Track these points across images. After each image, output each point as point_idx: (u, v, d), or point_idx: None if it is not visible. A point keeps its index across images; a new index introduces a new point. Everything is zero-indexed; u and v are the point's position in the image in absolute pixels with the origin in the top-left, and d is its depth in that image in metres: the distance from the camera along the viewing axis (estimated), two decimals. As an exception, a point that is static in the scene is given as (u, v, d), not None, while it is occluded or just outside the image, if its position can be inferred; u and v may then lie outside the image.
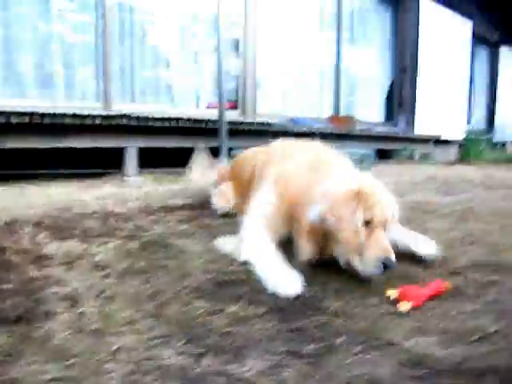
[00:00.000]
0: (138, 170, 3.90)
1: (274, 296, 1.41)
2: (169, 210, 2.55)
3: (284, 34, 6.12)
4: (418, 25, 8.06)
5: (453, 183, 4.33)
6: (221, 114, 4.09)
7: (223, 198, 2.49)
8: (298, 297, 1.41)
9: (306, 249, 1.68)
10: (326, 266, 1.67)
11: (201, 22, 5.15)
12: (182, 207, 2.64)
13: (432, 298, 1.41)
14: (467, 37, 9.66)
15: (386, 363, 1.06)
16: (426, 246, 1.84)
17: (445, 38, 8.75)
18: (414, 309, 1.34)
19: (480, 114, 11.78)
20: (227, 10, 5.28)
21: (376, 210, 1.59)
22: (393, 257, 1.54)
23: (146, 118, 3.84)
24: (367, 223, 1.58)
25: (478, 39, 10.77)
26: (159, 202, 2.78)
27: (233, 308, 1.33)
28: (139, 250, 1.83)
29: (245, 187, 2.22)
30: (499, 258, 1.87)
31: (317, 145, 2.13)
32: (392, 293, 1.38)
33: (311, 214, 1.64)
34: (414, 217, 2.65)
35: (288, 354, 1.09)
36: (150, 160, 4.17)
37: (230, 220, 2.36)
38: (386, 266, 1.51)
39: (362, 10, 7.51)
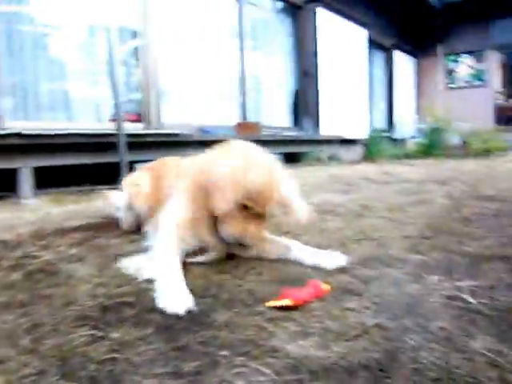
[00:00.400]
0: (33, 191, 3.66)
1: (163, 315, 1.39)
2: (62, 233, 2.41)
3: (186, 43, 6.10)
4: (316, 33, 8.44)
5: (353, 182, 4.58)
6: (118, 127, 3.97)
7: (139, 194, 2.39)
8: (188, 312, 1.40)
9: (229, 228, 1.77)
10: (222, 273, 1.69)
11: (100, 32, 4.96)
12: (78, 229, 2.52)
13: (313, 298, 1.46)
14: (363, 43, 10.31)
15: (267, 370, 1.08)
16: (331, 260, 1.84)
17: (342, 44, 9.28)
18: (296, 311, 1.38)
19: (380, 113, 12.63)
20: (126, 19, 5.18)
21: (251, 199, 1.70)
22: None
23: (39, 136, 3.61)
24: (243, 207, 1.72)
25: (374, 45, 11.60)
26: (54, 225, 2.63)
27: (116, 333, 1.28)
28: (23, 280, 1.71)
29: (162, 194, 2.21)
30: (385, 252, 2.00)
31: None
32: (272, 303, 1.41)
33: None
34: (312, 218, 2.75)
35: (168, 375, 1.07)
36: (52, 179, 3.95)
37: (128, 238, 2.30)
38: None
39: (263, 19, 7.72)
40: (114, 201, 2.65)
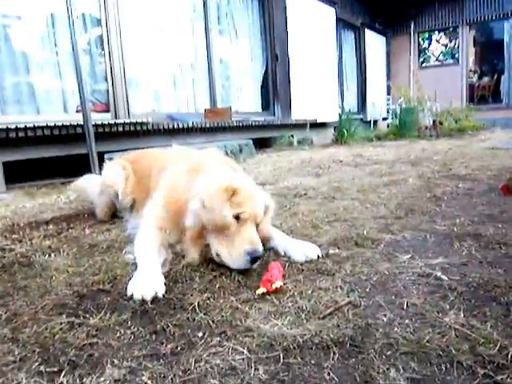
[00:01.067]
0: (4, 186, 3.59)
1: (140, 301, 1.41)
2: (35, 226, 2.39)
3: (152, 29, 5.98)
4: (286, 14, 8.36)
5: (324, 165, 4.65)
6: (85, 118, 3.89)
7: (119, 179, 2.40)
8: (158, 299, 1.42)
9: (190, 252, 1.76)
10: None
11: (62, 21, 4.81)
12: (51, 221, 2.50)
13: (280, 278, 1.49)
14: (332, 23, 10.25)
15: (242, 349, 1.12)
16: (306, 252, 1.82)
17: (311, 25, 9.20)
18: (273, 292, 1.42)
19: (352, 95, 12.66)
20: (88, 6, 5.04)
21: (244, 205, 1.70)
22: (259, 247, 1.65)
23: (7, 130, 3.53)
24: (236, 218, 1.68)
25: (343, 24, 11.54)
26: (27, 218, 2.60)
27: (94, 319, 1.30)
28: (-2, 273, 1.71)
29: (144, 185, 2.21)
30: (357, 232, 2.05)
31: (209, 151, 2.25)
32: (259, 290, 1.44)
33: (188, 217, 1.74)
34: (284, 201, 2.81)
35: (146, 358, 1.10)
36: (23, 173, 3.88)
37: (100, 228, 2.30)
38: (253, 257, 1.62)
39: (229, 1, 7.60)
40: (90, 186, 2.64)
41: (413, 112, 9.45)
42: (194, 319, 1.29)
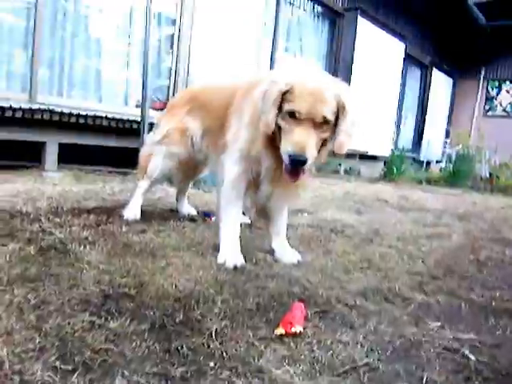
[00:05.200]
0: (57, 165, 3.77)
1: (159, 313, 1.43)
2: (77, 213, 2.48)
3: (221, 37, 6.07)
4: (355, 42, 8.31)
5: (368, 202, 4.56)
6: (143, 114, 4.02)
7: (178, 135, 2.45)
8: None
9: (265, 158, 1.86)
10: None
11: (138, 15, 5.01)
12: (92, 211, 2.58)
13: (301, 321, 1.46)
14: (400, 57, 10.11)
15: (250, 392, 1.11)
16: (289, 257, 2.15)
17: (378, 56, 9.10)
18: (292, 336, 1.39)
19: (409, 132, 12.40)
20: (165, 6, 5.22)
21: (300, 102, 1.66)
22: (301, 152, 1.65)
23: (69, 114, 3.71)
24: (292, 115, 1.68)
25: (411, 60, 11.34)
26: (71, 202, 2.71)
27: (114, 323, 1.33)
28: (36, 255, 1.78)
29: (216, 120, 2.24)
30: (389, 286, 1.98)
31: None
32: (278, 330, 1.41)
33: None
34: (320, 235, 2.77)
35: (155, 376, 1.11)
36: (74, 156, 4.05)
37: (136, 228, 2.35)
38: (293, 160, 1.65)
39: (300, 21, 7.64)
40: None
41: (470, 160, 9.10)
42: (209, 346, 1.28)
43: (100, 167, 4.06)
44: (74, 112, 3.73)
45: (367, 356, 1.35)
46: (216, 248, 2.08)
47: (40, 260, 1.73)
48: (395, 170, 8.01)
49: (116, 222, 2.41)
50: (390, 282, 2.06)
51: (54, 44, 4.40)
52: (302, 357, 1.30)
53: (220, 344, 1.30)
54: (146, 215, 2.66)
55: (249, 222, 2.84)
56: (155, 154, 2.50)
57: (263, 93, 1.76)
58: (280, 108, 1.75)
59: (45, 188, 3.01)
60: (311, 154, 1.70)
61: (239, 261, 1.96)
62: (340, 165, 7.51)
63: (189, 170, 2.70)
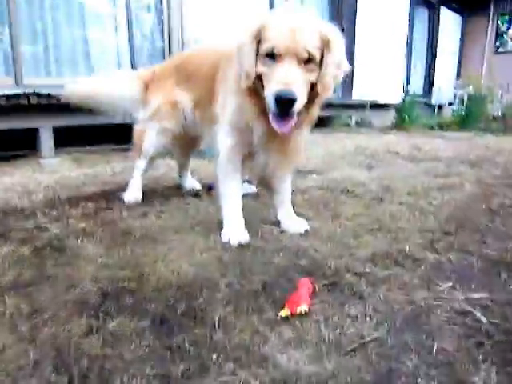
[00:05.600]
0: (54, 151, 3.69)
1: (161, 306, 1.38)
2: (75, 202, 2.43)
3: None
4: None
5: (379, 155, 4.44)
6: None
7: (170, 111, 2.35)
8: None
9: (247, 111, 1.73)
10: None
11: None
12: (91, 197, 2.53)
13: (308, 300, 1.41)
14: (405, -1, 9.62)
15: (255, 382, 1.07)
16: (295, 226, 2.08)
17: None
18: (298, 316, 1.34)
19: (419, 76, 11.97)
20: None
21: (276, 37, 1.52)
22: (286, 87, 1.48)
23: (58, 95, 3.57)
24: (271, 55, 1.54)
25: (418, 0, 10.76)
26: (69, 191, 2.66)
27: (113, 323, 1.29)
28: (30, 256, 1.73)
29: (204, 90, 2.14)
30: (399, 248, 1.90)
31: None
32: (283, 312, 1.35)
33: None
34: (329, 198, 2.69)
35: (156, 377, 1.08)
36: (73, 137, 3.95)
37: (138, 211, 2.29)
38: (277, 98, 1.49)
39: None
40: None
41: (481, 101, 8.78)
42: (212, 337, 1.24)
43: (102, 146, 3.96)
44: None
45: (376, 329, 1.29)
46: (220, 225, 2.01)
47: (35, 262, 1.69)
48: (407, 118, 7.77)
49: (116, 207, 2.36)
50: (400, 243, 1.98)
51: (34, 19, 4.15)
52: (309, 337, 1.25)
53: (224, 334, 1.25)
54: (148, 195, 2.60)
55: (255, 191, 2.76)
56: (148, 131, 2.40)
57: (238, 44, 1.63)
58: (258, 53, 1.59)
59: (42, 177, 2.96)
60: (299, 91, 1.51)
61: (244, 237, 1.90)
62: (350, 117, 7.30)
63: (186, 144, 2.61)
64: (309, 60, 1.56)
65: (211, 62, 2.08)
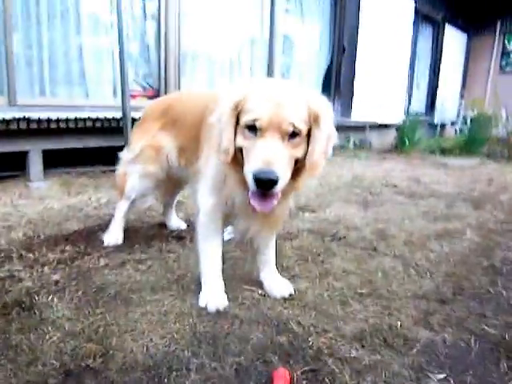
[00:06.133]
0: (42, 174, 3.58)
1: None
2: (54, 242, 2.32)
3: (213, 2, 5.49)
4: (359, 2, 7.72)
5: (376, 188, 4.31)
6: (124, 107, 3.70)
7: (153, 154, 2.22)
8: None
9: (229, 180, 1.63)
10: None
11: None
12: (71, 237, 2.42)
13: None
14: (409, 16, 9.46)
15: None
16: (279, 290, 1.94)
17: (386, 16, 8.48)
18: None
19: (422, 95, 11.82)
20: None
21: (258, 108, 1.38)
22: (270, 167, 1.33)
23: (48, 121, 3.47)
24: (252, 128, 1.41)
25: (422, 18, 10.61)
26: (50, 227, 2.54)
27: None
28: (-3, 316, 1.63)
29: (189, 139, 2.02)
30: (389, 323, 1.77)
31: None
32: None
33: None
34: (319, 247, 2.57)
35: None
36: (62, 159, 3.85)
37: (115, 260, 2.17)
38: (256, 178, 1.35)
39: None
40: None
41: (485, 125, 8.57)
42: None
43: (93, 168, 3.85)
44: (53, 117, 3.47)
45: None
46: (199, 283, 1.89)
47: (1, 324, 1.58)
48: (407, 142, 7.64)
49: (95, 252, 2.24)
50: (392, 315, 1.86)
51: (29, 38, 3.99)
52: None
53: None
54: (130, 235, 2.49)
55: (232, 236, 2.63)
56: (131, 174, 2.30)
57: (217, 115, 1.51)
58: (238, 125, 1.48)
59: (26, 209, 2.84)
60: (281, 170, 1.37)
61: (221, 303, 1.78)
62: (349, 139, 7.17)
63: (171, 186, 2.50)
64: (294, 134, 1.43)
65: (198, 109, 1.96)
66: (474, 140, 8.31)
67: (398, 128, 8.36)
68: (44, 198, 3.05)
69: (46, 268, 2.02)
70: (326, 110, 1.49)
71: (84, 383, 1.31)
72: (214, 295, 1.79)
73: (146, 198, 2.49)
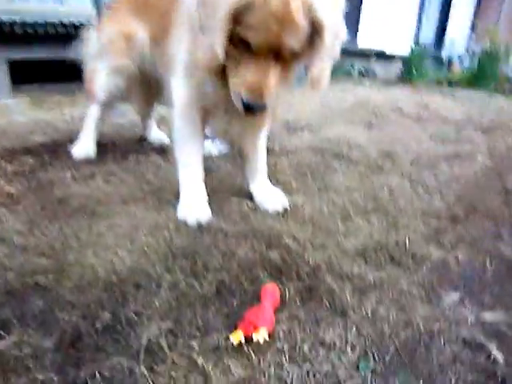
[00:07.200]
0: (10, 90, 3.20)
1: (76, 316, 1.04)
2: (14, 154, 2.03)
3: None
4: None
5: (382, 112, 3.98)
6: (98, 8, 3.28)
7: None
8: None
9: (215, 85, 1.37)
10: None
11: None
12: (35, 150, 2.12)
13: (270, 319, 1.06)
14: None
15: None
16: (271, 202, 1.70)
17: None
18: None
19: (430, 27, 11.16)
20: None
21: (258, 30, 1.14)
22: (261, 98, 1.23)
23: (12, 24, 3.03)
24: (246, 44, 1.18)
25: None
26: (13, 138, 2.24)
27: (5, 341, 0.95)
28: None
29: (161, 25, 1.68)
30: (397, 240, 1.55)
31: None
32: (235, 336, 1.00)
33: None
34: (319, 164, 2.31)
35: None
36: (40, 72, 3.45)
37: (83, 172, 1.90)
38: (248, 107, 1.25)
39: None
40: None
41: (495, 58, 8.07)
42: (131, 373, 0.90)
43: (71, 84, 3.45)
44: (17, 19, 3.02)
45: (357, 368, 0.97)
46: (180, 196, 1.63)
47: None
48: (414, 71, 7.19)
49: (59, 164, 1.96)
50: (399, 231, 1.63)
51: None
52: (263, 380, 0.91)
53: (148, 370, 0.91)
54: (104, 149, 2.20)
55: (223, 151, 2.36)
56: (98, 71, 1.96)
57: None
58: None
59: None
60: (271, 98, 1.26)
61: (204, 216, 1.53)
62: (353, 66, 6.72)
63: (147, 90, 2.17)
64: (292, 55, 1.24)
65: None
66: (483, 74, 7.85)
67: (405, 60, 7.89)
68: (9, 113, 2.73)
69: (1, 180, 1.74)
70: (331, 14, 1.21)
71: (30, 302, 1.08)
72: (194, 206, 1.54)
73: (119, 101, 2.17)
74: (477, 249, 1.57)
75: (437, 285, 1.32)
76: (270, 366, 0.95)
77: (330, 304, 1.17)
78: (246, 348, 0.98)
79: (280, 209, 1.68)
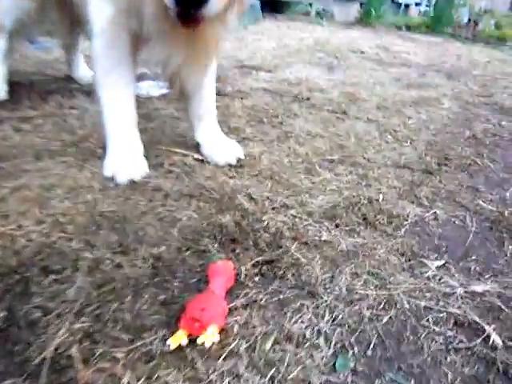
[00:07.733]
0: None
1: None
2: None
3: None
4: None
5: (341, 54, 3.70)
6: None
7: None
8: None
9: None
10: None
11: None
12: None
13: (222, 310, 0.81)
14: None
15: None
16: (222, 153, 1.42)
17: None
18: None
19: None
20: None
21: None
22: None
23: None
24: None
25: None
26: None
27: None
28: None
29: None
30: (369, 195, 1.34)
31: None
32: (174, 339, 0.74)
33: None
34: (278, 108, 2.04)
35: None
36: None
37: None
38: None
39: None
40: None
41: (451, 4, 7.89)
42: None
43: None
44: None
45: (333, 364, 0.76)
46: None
47: None
48: (373, 13, 6.89)
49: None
50: (371, 185, 1.42)
51: None
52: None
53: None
54: (19, 89, 1.80)
55: (165, 91, 2.01)
56: None
57: None
58: None
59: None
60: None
61: (138, 172, 1.24)
62: (311, 5, 6.32)
63: (67, 12, 1.76)
64: None
65: None
66: (440, 19, 7.68)
67: (363, 2, 7.55)
68: None
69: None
70: None
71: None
72: (125, 160, 1.24)
73: (30, 28, 1.76)
74: (455, 203, 1.40)
75: (417, 250, 1.12)
76: (222, 376, 0.71)
77: (296, 281, 0.94)
78: (189, 353, 0.73)
79: (233, 161, 1.41)
